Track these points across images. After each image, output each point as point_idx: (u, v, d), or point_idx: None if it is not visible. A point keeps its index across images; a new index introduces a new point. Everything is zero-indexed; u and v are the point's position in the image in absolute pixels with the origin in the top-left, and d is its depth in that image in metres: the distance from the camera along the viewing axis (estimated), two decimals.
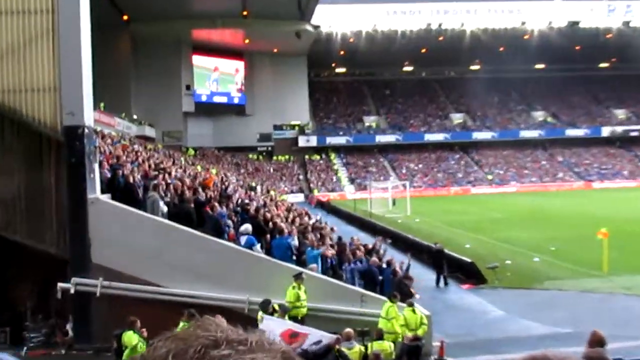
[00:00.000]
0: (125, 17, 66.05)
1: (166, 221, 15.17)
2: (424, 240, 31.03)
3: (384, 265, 18.99)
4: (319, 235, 19.34)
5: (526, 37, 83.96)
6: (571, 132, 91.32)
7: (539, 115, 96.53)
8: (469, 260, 25.71)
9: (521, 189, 79.66)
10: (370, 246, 21.89)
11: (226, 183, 31.51)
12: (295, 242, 17.44)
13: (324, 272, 16.47)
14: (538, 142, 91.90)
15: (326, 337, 11.57)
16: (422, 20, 79.73)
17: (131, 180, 16.50)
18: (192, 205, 16.61)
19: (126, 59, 70.57)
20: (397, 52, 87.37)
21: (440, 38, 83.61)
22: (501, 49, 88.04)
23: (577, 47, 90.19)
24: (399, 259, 21.34)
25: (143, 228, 14.73)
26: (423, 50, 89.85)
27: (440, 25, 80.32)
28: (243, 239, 15.61)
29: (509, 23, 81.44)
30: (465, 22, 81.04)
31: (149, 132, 69.58)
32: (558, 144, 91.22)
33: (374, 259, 18.56)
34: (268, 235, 17.47)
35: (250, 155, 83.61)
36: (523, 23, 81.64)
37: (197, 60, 78.52)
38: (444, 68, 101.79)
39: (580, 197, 66.09)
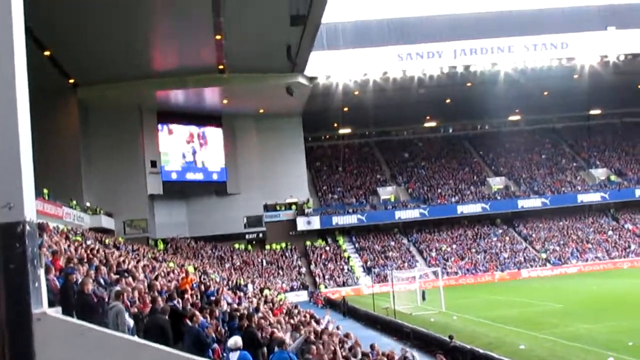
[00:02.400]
0: (71, 81, 66.59)
1: (134, 338, 14.13)
2: (466, 344, 30.54)
3: None
4: (330, 345, 19.06)
5: (575, 76, 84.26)
6: None
7: (599, 173, 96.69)
8: None
9: (585, 269, 79.47)
10: (396, 357, 21.90)
11: (208, 283, 31.44)
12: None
13: None
14: (601, 207, 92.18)
15: None
16: (444, 63, 79.52)
17: (88, 287, 15.75)
18: (167, 316, 16.30)
19: (74, 132, 71.08)
20: (415, 105, 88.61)
21: (469, 84, 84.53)
22: (545, 93, 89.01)
23: (638, 85, 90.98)
24: None
25: (105, 348, 13.58)
26: (448, 101, 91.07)
27: (467, 67, 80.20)
28: (233, 357, 15.22)
29: (553, 60, 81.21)
30: (498, 61, 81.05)
31: (107, 222, 69.67)
32: (627, 208, 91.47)
33: None
34: (265, 349, 17.43)
35: (237, 245, 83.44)
36: (570, 59, 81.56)
37: (164, 129, 79.26)
38: (476, 121, 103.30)
39: None
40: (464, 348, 28.92)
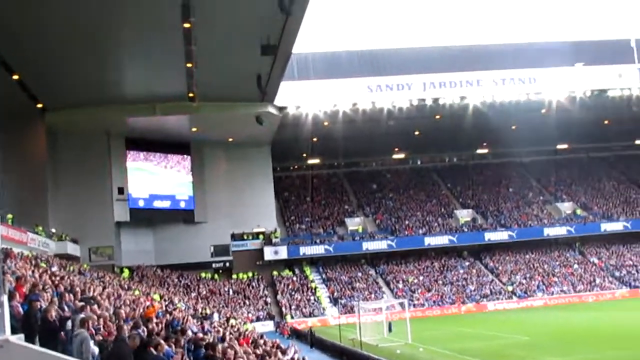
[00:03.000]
0: (39, 105, 65.89)
1: None
2: None
3: None
4: None
5: (543, 111, 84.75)
6: (607, 226, 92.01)
7: (565, 207, 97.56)
8: None
9: (550, 302, 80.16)
10: None
11: (173, 312, 31.33)
12: None
13: None
14: (567, 240, 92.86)
15: None
16: (413, 95, 79.36)
17: (52, 314, 16.07)
18: (136, 343, 15.98)
19: (41, 157, 70.39)
20: (384, 137, 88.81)
21: (437, 116, 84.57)
22: (513, 127, 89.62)
23: (605, 122, 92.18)
24: None
25: None
26: (417, 133, 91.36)
27: (436, 100, 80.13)
28: None
29: (521, 94, 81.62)
30: (466, 95, 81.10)
31: (72, 249, 68.84)
32: (592, 242, 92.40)
33: None
34: None
35: (204, 274, 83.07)
36: (538, 94, 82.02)
37: (132, 156, 79.00)
38: (445, 154, 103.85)
39: (626, 308, 66.41)
40: None
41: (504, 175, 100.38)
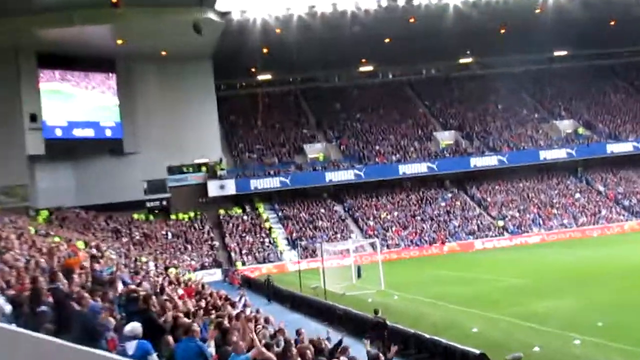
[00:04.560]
0: None
1: (10, 327, 13.81)
2: (409, 328, 30.63)
3: None
4: (247, 331, 18.49)
5: (538, 10, 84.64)
6: (614, 147, 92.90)
7: (565, 126, 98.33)
8: (477, 351, 25.14)
9: (548, 238, 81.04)
10: (325, 343, 21.80)
11: (101, 261, 30.50)
12: (211, 346, 17.07)
13: None
14: (567, 165, 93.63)
15: None
16: None
17: None
18: (50, 298, 16.09)
19: None
20: (348, 46, 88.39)
21: (411, 20, 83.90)
22: (502, 30, 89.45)
23: (611, 22, 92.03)
24: None
25: None
26: (387, 40, 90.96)
27: (409, 0, 79.02)
28: (131, 347, 14.89)
29: None
30: None
31: None
32: (597, 167, 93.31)
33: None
34: (169, 338, 16.75)
35: (136, 216, 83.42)
36: None
37: (46, 76, 78.34)
38: (421, 65, 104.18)
39: (635, 242, 66.80)
40: (396, 329, 29.50)
41: (491, 89, 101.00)
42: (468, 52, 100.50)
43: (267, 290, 54.29)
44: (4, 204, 70.24)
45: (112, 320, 16.79)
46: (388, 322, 28.45)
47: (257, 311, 28.38)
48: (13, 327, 13.09)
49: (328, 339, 22.57)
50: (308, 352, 18.21)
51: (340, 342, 21.64)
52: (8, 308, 15.31)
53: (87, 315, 15.83)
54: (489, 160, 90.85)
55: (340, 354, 19.59)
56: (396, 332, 29.69)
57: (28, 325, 13.71)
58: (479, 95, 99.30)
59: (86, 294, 17.05)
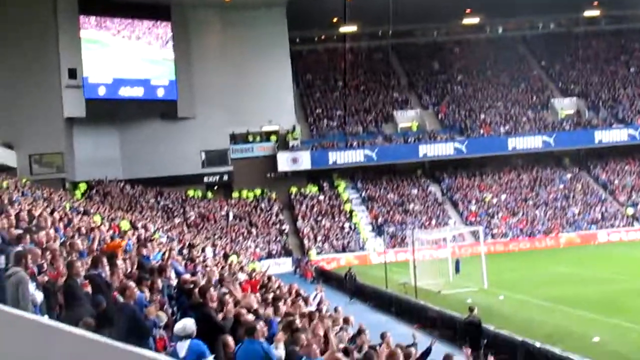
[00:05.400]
0: None
1: (41, 319, 11.06)
2: (516, 335, 30.41)
3: None
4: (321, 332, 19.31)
5: None
6: None
7: None
8: None
9: None
10: (413, 351, 21.78)
11: (149, 245, 30.02)
12: (280, 348, 16.87)
13: None
14: None
15: None
16: None
17: None
18: (89, 288, 16.68)
19: None
20: None
21: None
22: None
23: None
24: None
25: (2, 330, 11.55)
26: None
27: None
28: (183, 347, 14.87)
29: None
30: None
31: (5, 157, 70.75)
32: None
33: None
34: (229, 338, 16.34)
35: (191, 192, 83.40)
36: None
37: (89, 24, 78.17)
38: (537, 18, 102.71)
39: None
40: (502, 336, 30.19)
41: (623, 48, 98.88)
42: (595, 3, 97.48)
43: (348, 285, 53.97)
44: (37, 174, 71.13)
45: (162, 315, 17.83)
46: (483, 324, 29.30)
47: (335, 310, 28.16)
48: (45, 319, 11.69)
49: (414, 344, 22.64)
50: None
51: (429, 349, 22.62)
52: (40, 297, 15.67)
53: (132, 309, 16.23)
54: (618, 135, 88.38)
55: None
56: (501, 339, 30.38)
57: (63, 318, 15.09)
58: (608, 55, 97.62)
59: (131, 284, 17.37)
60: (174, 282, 22.57)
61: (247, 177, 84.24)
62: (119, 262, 20.19)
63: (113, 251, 21.46)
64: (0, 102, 72.04)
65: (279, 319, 20.40)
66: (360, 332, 22.08)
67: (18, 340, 9.94)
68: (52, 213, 31.28)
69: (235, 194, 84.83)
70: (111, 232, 32.79)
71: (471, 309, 29.54)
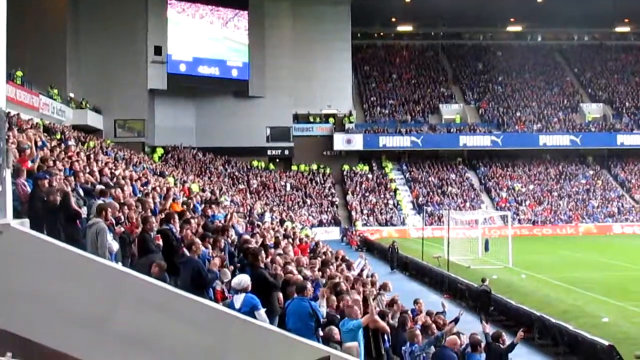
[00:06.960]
0: None
1: (118, 266, 13.22)
2: (533, 309, 30.25)
3: (468, 348, 18.84)
4: (360, 296, 19.06)
5: None
6: None
7: None
8: (606, 342, 24.35)
9: None
10: (441, 317, 22.17)
11: (214, 207, 31.01)
12: (323, 306, 17.03)
13: (368, 355, 16.24)
14: None
15: None
16: None
17: (63, 197, 15.84)
18: (160, 241, 16.56)
19: (61, 6, 71.38)
20: (498, 1, 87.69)
21: None
22: None
23: None
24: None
25: (79, 275, 10.93)
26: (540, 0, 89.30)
27: None
28: (239, 299, 14.67)
29: None
30: None
31: (93, 120, 70.36)
32: None
33: (453, 337, 18.16)
34: (280, 294, 17.17)
35: (256, 163, 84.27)
36: None
37: (176, 7, 79.23)
38: (573, 29, 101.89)
39: None
40: (522, 310, 29.95)
41: None
42: (626, 20, 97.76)
43: (391, 257, 53.47)
44: (120, 137, 72.57)
45: (227, 272, 17.45)
46: (492, 293, 30.58)
47: (372, 275, 27.83)
48: (119, 266, 14.01)
49: (443, 312, 22.89)
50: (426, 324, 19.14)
51: (456, 319, 21.79)
52: (116, 246, 15.51)
53: (197, 263, 15.91)
54: (638, 139, 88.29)
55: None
56: (521, 313, 29.86)
57: (135, 267, 14.62)
58: (634, 68, 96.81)
59: (197, 240, 17.15)
60: (235, 241, 22.14)
61: (305, 153, 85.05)
62: (193, 221, 20.48)
63: (183, 210, 22.41)
64: (93, 73, 72.84)
65: (324, 281, 20.07)
66: (392, 300, 22.19)
67: (98, 283, 10.62)
68: (129, 173, 31.37)
69: (294, 167, 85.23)
70: (182, 193, 33.23)
71: (483, 280, 30.84)
